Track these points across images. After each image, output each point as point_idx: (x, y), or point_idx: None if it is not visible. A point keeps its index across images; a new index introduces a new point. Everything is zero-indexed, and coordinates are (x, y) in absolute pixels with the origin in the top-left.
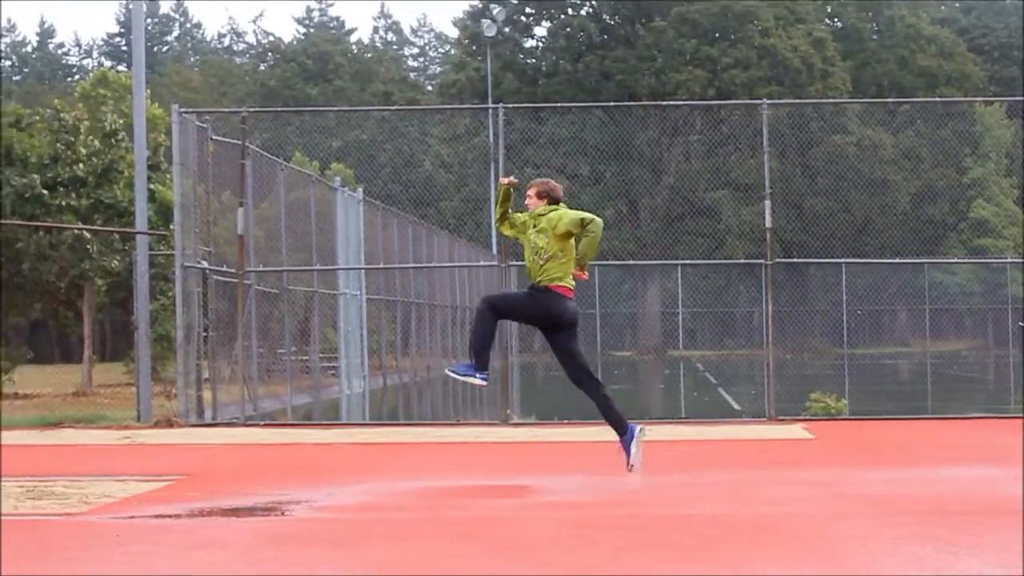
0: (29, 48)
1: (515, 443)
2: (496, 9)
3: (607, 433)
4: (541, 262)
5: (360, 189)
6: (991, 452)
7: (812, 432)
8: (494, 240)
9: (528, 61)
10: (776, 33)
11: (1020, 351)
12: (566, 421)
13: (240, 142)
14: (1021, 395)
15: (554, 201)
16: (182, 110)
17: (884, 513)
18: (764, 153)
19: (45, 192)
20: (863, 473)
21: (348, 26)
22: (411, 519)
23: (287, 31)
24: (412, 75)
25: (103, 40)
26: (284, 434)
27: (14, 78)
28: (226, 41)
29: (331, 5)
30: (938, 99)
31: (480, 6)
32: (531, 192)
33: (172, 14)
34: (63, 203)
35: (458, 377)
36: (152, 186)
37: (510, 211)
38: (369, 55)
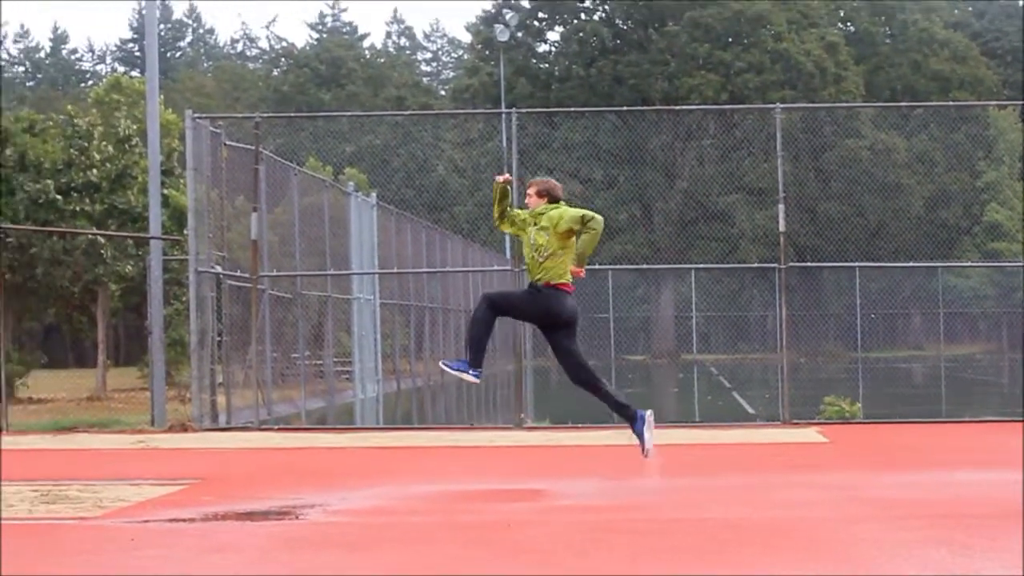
0: (43, 54)
1: (529, 447)
2: (509, 14)
3: (621, 437)
4: (541, 259)
5: (374, 194)
6: (1005, 455)
7: (826, 436)
8: (508, 244)
9: (541, 66)
10: (789, 37)
11: None
12: (580, 425)
13: (254, 147)
14: None
15: (554, 199)
16: (196, 116)
17: (898, 517)
18: (777, 157)
19: (59, 197)
20: (877, 477)
21: (361, 31)
22: (425, 523)
23: (300, 37)
24: (425, 80)
25: (116, 46)
26: (298, 438)
27: (27, 84)
28: (239, 47)
29: (344, 10)
30: (951, 103)
31: (493, 11)
32: (531, 191)
33: (185, 20)
34: (77, 208)
35: (451, 372)
36: (166, 191)
37: (509, 208)
38: (382, 60)
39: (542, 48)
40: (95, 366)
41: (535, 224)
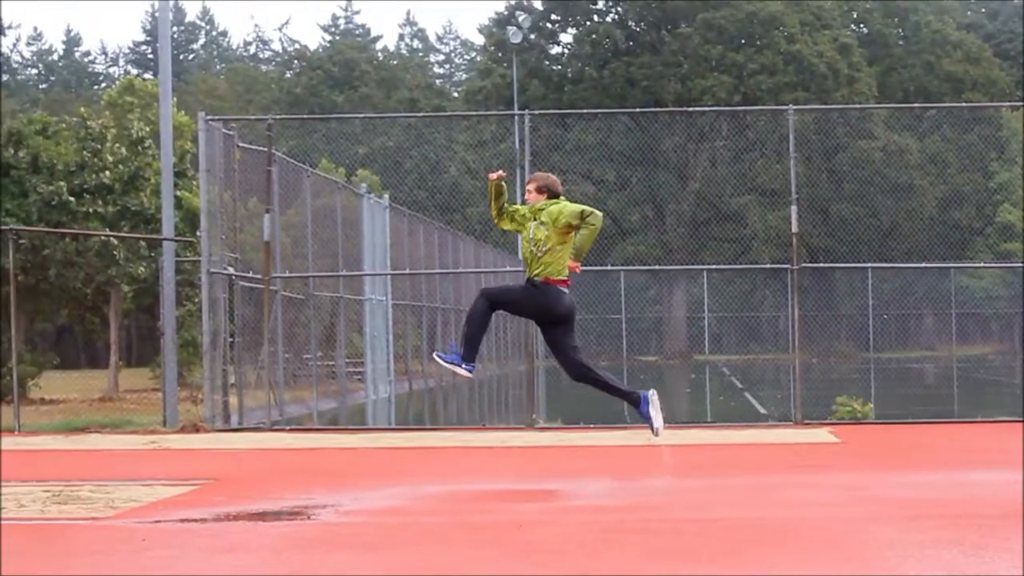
0: (55, 56)
1: (541, 447)
2: (522, 16)
3: (633, 437)
4: (539, 254)
5: (386, 195)
6: (1018, 456)
7: (838, 436)
8: (519, 245)
9: (554, 68)
10: (802, 39)
11: None
12: (592, 425)
13: (266, 149)
14: None
15: (554, 195)
16: (209, 118)
17: (911, 517)
18: (790, 158)
19: (72, 199)
20: (890, 477)
21: (374, 33)
22: (437, 523)
23: (313, 39)
24: (438, 82)
25: (129, 48)
26: (310, 439)
27: (41, 86)
28: (252, 49)
29: (357, 12)
30: (964, 104)
31: (506, 13)
32: (531, 187)
33: (198, 22)
34: (90, 210)
35: (445, 364)
36: (179, 193)
37: (507, 205)
38: (395, 62)
39: (555, 50)
40: (107, 367)
41: (535, 219)
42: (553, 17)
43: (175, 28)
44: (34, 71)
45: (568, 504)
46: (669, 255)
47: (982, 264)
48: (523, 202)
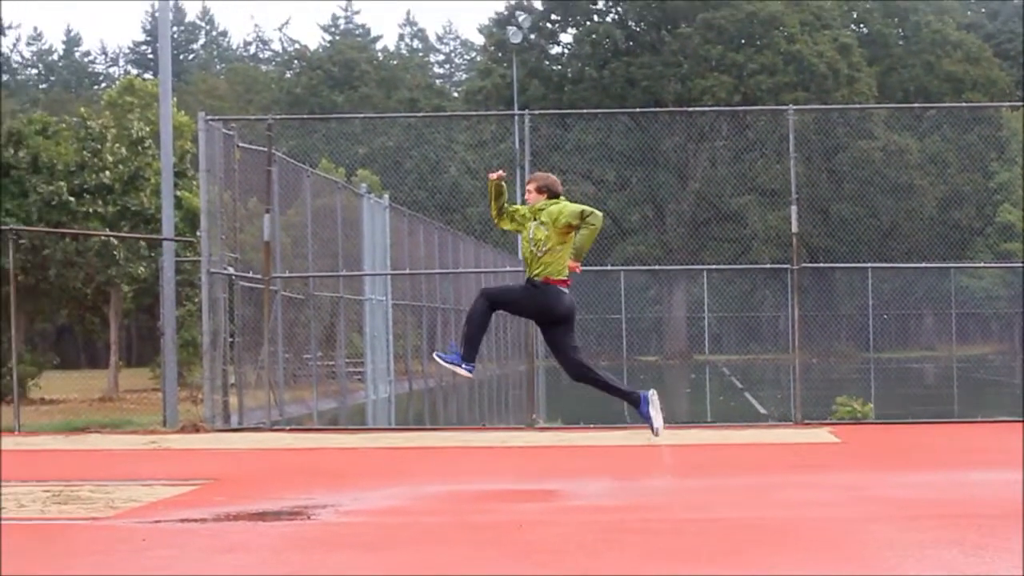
0: (55, 56)
1: (541, 447)
2: (522, 16)
3: (633, 437)
4: (539, 254)
5: (386, 195)
6: (1019, 456)
7: (838, 436)
8: (519, 246)
9: (554, 68)
10: (802, 39)
11: None
12: (592, 425)
13: (266, 149)
14: None
15: (554, 195)
16: (209, 118)
17: (911, 517)
18: (790, 158)
19: (72, 199)
20: (890, 477)
21: (374, 33)
22: (437, 523)
23: (313, 39)
24: (438, 82)
25: (129, 48)
26: (310, 439)
27: (41, 86)
28: (252, 49)
29: (357, 13)
30: (964, 104)
31: (506, 13)
32: (531, 187)
33: (198, 22)
34: (90, 210)
35: (445, 364)
36: (178, 193)
37: (507, 205)
38: (395, 62)
39: (555, 50)
40: (107, 367)
41: (535, 219)
42: (553, 17)
43: (175, 28)
44: (34, 71)
45: (568, 504)
46: (669, 255)
47: (982, 264)
48: (523, 202)
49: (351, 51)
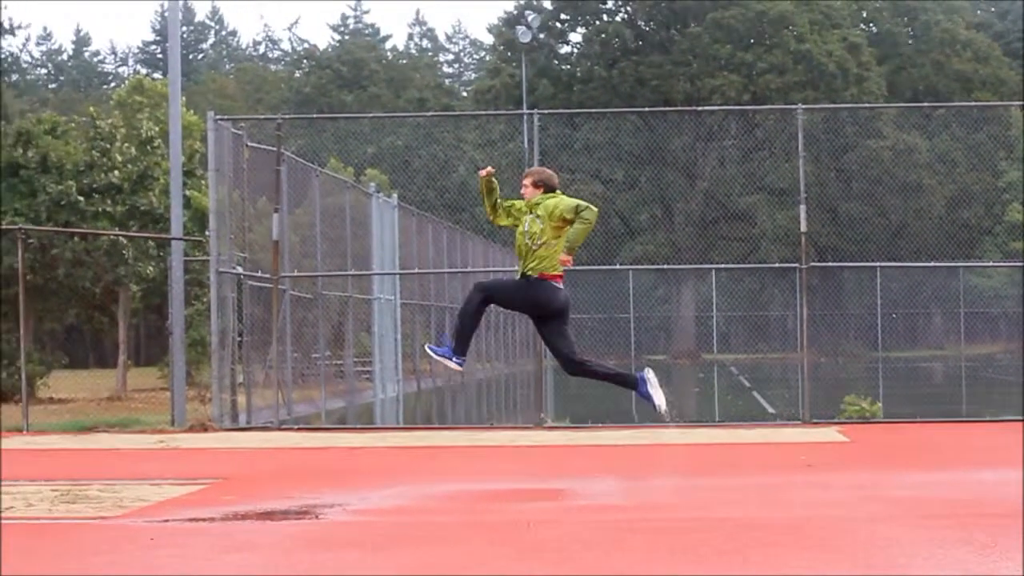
0: (65, 56)
1: (549, 447)
2: (531, 15)
3: (641, 436)
4: (534, 248)
5: (395, 195)
6: None
7: (847, 435)
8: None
9: (563, 67)
10: (811, 38)
11: None
12: (600, 425)
13: (275, 148)
14: None
15: (550, 189)
16: (218, 117)
17: (919, 516)
18: (799, 158)
19: (81, 199)
20: (898, 476)
21: (383, 33)
22: (445, 523)
23: (322, 38)
24: (447, 81)
25: (139, 48)
26: (318, 438)
27: (50, 86)
28: (261, 48)
29: (366, 12)
30: (973, 103)
31: (515, 12)
32: (527, 182)
33: (208, 22)
34: (99, 209)
35: (436, 357)
36: (187, 192)
37: (501, 200)
38: (404, 62)
39: (564, 49)
40: (116, 366)
41: (531, 213)
42: (562, 16)
43: (185, 28)
44: (43, 71)
45: (576, 503)
46: (677, 254)
47: (991, 263)
48: (520, 197)
49: (360, 50)
